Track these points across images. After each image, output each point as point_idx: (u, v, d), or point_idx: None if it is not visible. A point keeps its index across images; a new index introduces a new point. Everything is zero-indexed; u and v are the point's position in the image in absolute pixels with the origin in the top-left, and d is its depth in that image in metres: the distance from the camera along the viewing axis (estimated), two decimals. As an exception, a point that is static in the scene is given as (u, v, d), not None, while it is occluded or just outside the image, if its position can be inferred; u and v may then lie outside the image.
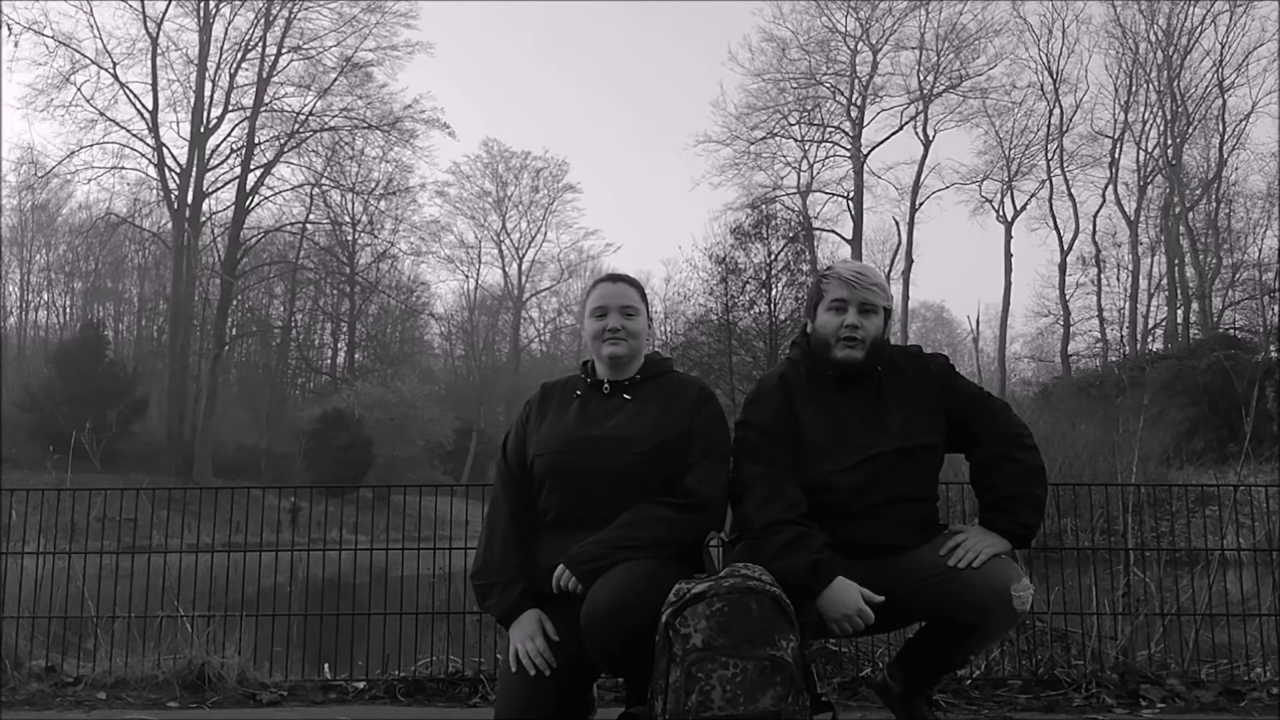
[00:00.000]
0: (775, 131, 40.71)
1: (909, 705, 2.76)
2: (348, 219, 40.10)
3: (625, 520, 2.46)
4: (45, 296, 42.33)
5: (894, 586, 2.51)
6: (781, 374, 2.76)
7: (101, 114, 34.75)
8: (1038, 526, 2.67)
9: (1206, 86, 38.01)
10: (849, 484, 2.57)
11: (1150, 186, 39.28)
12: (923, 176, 39.80)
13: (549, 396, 2.74)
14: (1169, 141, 38.51)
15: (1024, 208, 40.39)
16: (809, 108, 40.71)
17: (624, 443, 2.56)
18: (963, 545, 2.53)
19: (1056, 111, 39.76)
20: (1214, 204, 37.81)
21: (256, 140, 36.26)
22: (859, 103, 40.38)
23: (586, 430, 2.60)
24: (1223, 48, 37.30)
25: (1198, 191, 38.19)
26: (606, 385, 2.69)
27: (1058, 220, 39.75)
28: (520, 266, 47.70)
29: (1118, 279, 39.41)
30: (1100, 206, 39.69)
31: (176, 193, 35.14)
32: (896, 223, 40.37)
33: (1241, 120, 37.72)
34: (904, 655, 2.81)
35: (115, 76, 34.82)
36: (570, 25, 67.57)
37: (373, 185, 38.79)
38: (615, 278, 2.80)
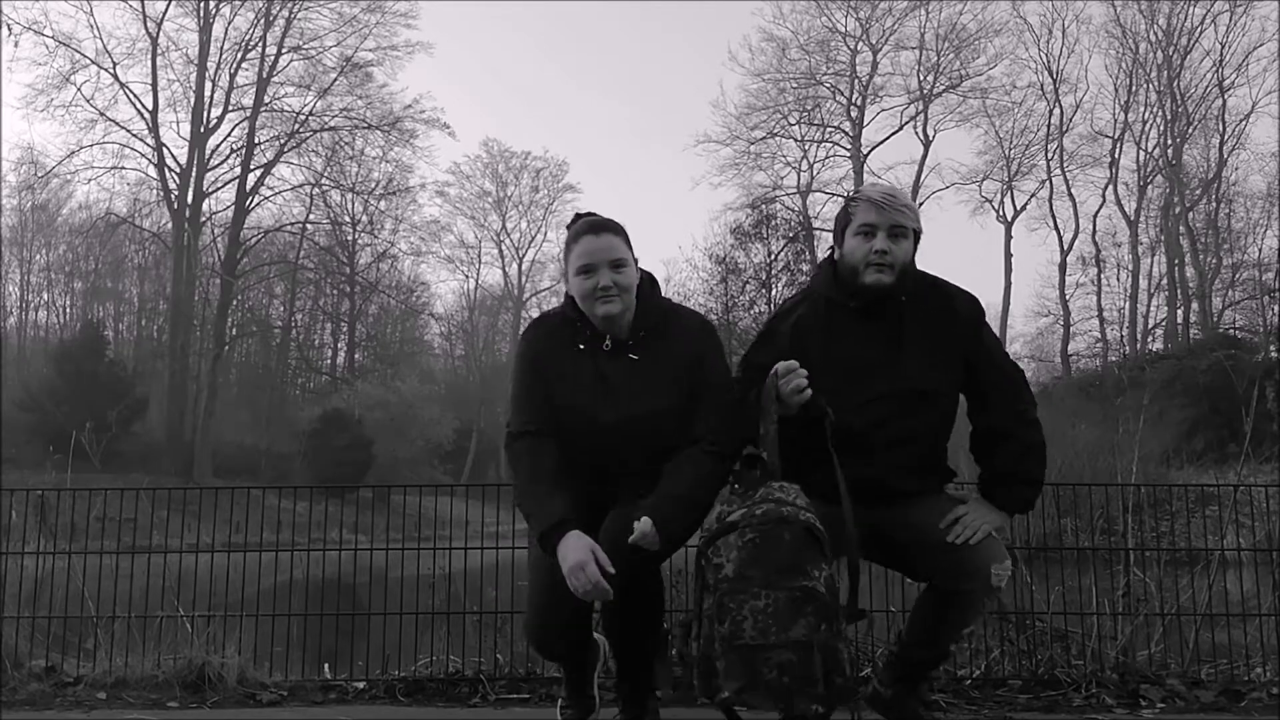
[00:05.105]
0: (775, 131, 40.72)
1: (904, 707, 2.76)
2: (348, 219, 40.12)
3: (689, 478, 2.46)
4: (45, 296, 42.37)
5: (891, 531, 2.55)
6: (798, 314, 2.70)
7: (101, 114, 34.78)
8: (1035, 500, 2.71)
9: (1206, 86, 38.06)
10: (855, 424, 2.53)
11: (1150, 186, 39.31)
12: (923, 176, 39.82)
13: (543, 352, 2.66)
14: (1169, 141, 38.52)
15: (1024, 208, 40.43)
16: (809, 108, 40.71)
17: (638, 407, 2.54)
18: (962, 520, 2.56)
19: (1056, 111, 39.81)
20: (1214, 204, 37.82)
21: (256, 140, 36.28)
22: (859, 103, 40.40)
23: (597, 397, 2.57)
24: (1223, 48, 37.36)
25: (1198, 191, 38.19)
26: (608, 343, 2.62)
27: (1058, 220, 39.81)
28: (520, 266, 47.77)
29: (1118, 279, 39.48)
30: (1100, 206, 39.75)
31: (176, 193, 35.15)
32: (896, 223, 40.28)
33: (1241, 120, 37.79)
34: (889, 660, 2.82)
35: (115, 76, 34.86)
36: (570, 25, 67.57)
37: (373, 185, 38.82)
38: (597, 228, 2.62)
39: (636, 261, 2.65)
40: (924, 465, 2.65)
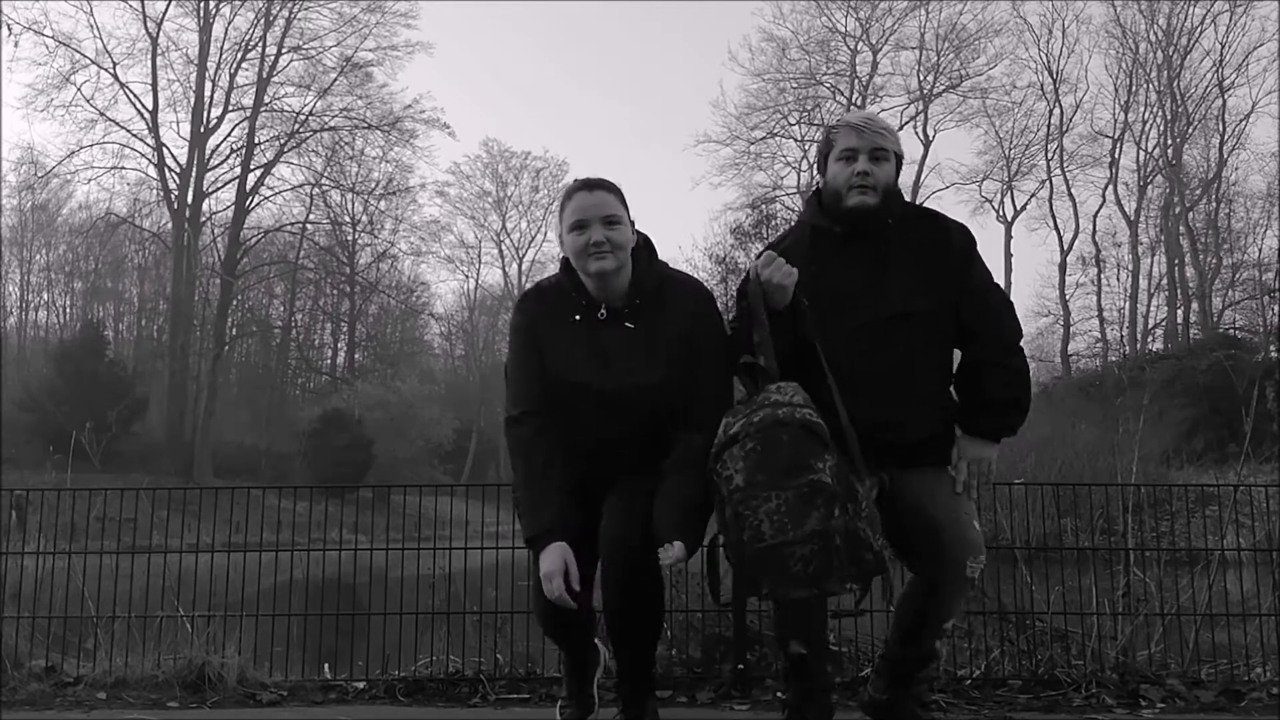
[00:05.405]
0: (775, 131, 40.70)
1: (901, 710, 2.76)
2: (348, 219, 40.11)
3: (696, 479, 2.44)
4: (45, 296, 42.36)
5: (897, 518, 2.53)
6: (785, 244, 2.69)
7: (101, 114, 34.77)
8: (1019, 426, 2.70)
9: (1206, 86, 38.05)
10: (845, 356, 2.51)
11: (1150, 186, 39.30)
12: (923, 176, 39.73)
13: (538, 320, 2.64)
14: (1169, 141, 38.51)
15: (1024, 208, 40.41)
16: (809, 108, 40.68)
17: (634, 378, 2.53)
18: (969, 473, 2.60)
19: (1056, 111, 39.79)
20: (1214, 204, 37.82)
21: (256, 140, 36.27)
22: (859, 103, 40.32)
23: (594, 369, 2.56)
24: (1223, 48, 37.33)
25: (1198, 191, 38.18)
26: (603, 312, 2.59)
27: (1058, 220, 39.79)
28: (520, 266, 47.69)
29: (1118, 279, 39.48)
30: (1100, 206, 39.73)
31: (176, 193, 35.15)
32: (896, 223, 40.28)
33: (1241, 120, 37.77)
34: (880, 665, 2.83)
35: (115, 76, 34.85)
36: (570, 25, 67.57)
37: (373, 185, 38.80)
38: (591, 185, 2.58)
39: (633, 223, 2.61)
40: (923, 395, 2.61)
